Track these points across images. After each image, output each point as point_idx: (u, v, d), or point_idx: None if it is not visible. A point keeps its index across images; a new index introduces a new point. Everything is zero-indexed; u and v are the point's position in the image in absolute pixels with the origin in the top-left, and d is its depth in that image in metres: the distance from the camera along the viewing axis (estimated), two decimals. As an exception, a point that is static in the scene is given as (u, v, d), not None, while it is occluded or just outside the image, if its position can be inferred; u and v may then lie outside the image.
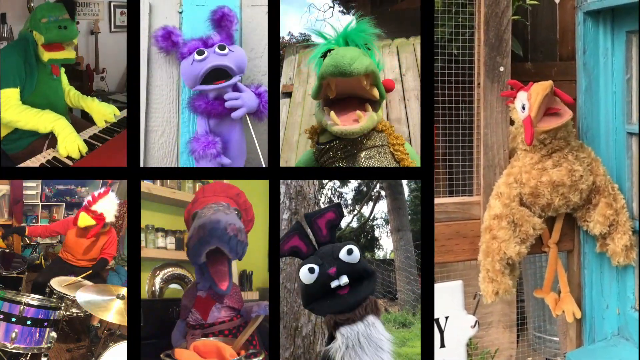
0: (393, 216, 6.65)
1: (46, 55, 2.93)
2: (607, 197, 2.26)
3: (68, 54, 3.02)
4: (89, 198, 3.43)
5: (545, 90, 2.13)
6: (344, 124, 2.11)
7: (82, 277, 3.19)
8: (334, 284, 1.89)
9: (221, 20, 2.46)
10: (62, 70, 3.23)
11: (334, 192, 7.92)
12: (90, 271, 3.33)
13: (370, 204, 8.18)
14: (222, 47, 2.40)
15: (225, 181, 3.26)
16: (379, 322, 1.92)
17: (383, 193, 7.36)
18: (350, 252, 1.91)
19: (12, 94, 2.78)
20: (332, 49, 2.12)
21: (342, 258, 1.91)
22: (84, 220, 3.38)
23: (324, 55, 2.14)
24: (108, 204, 3.44)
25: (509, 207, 2.20)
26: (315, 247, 1.99)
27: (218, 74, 2.37)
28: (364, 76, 2.06)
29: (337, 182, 7.66)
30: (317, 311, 1.97)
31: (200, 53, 2.36)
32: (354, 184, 7.76)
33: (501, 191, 2.23)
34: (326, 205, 2.11)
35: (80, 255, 3.49)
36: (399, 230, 6.57)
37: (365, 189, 7.72)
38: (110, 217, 3.46)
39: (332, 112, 2.12)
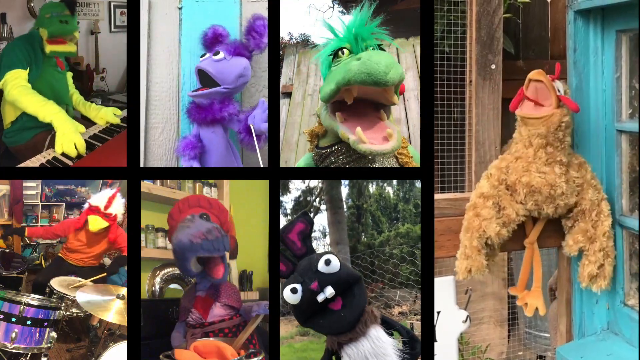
0: (332, 229, 6.57)
1: (48, 47, 3.09)
2: (586, 222, 2.20)
3: (69, 47, 3.20)
4: (103, 202, 3.43)
5: (539, 76, 2.06)
6: (372, 142, 1.90)
7: (91, 280, 3.18)
8: (320, 297, 1.82)
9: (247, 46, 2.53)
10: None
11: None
12: (105, 274, 3.37)
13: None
14: (216, 53, 2.45)
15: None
16: (381, 331, 1.88)
17: (323, 207, 7.21)
18: (328, 262, 1.84)
19: (21, 74, 2.95)
20: (345, 48, 1.97)
21: (321, 270, 1.84)
22: (97, 223, 3.39)
23: (334, 54, 2.01)
24: (119, 204, 3.49)
25: (496, 189, 2.15)
26: (294, 262, 1.93)
27: (207, 81, 2.46)
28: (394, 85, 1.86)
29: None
30: (316, 329, 1.91)
31: (203, 55, 2.45)
32: (294, 194, 7.52)
33: (492, 172, 2.19)
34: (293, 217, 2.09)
35: (92, 256, 3.52)
36: (337, 244, 6.49)
37: (304, 200, 7.61)
38: (120, 216, 3.51)
39: (358, 129, 1.90)
